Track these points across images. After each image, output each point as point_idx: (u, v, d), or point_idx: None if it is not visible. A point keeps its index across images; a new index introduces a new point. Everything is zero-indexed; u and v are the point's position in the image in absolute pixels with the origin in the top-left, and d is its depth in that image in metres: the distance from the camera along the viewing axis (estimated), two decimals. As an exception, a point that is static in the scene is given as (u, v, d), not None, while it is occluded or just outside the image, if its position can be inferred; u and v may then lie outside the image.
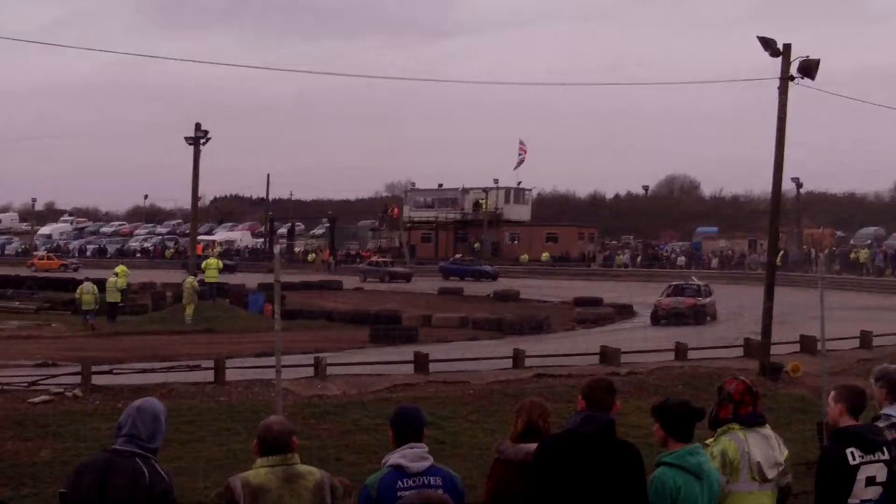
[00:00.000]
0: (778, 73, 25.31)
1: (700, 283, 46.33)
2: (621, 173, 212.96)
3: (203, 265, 47.57)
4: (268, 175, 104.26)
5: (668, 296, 43.91)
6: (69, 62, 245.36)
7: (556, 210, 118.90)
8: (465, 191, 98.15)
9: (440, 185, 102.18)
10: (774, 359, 25.06)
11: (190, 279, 41.14)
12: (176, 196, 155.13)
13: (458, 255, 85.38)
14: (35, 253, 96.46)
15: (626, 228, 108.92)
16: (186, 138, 47.76)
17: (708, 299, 43.77)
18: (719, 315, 43.82)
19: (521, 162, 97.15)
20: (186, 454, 16.12)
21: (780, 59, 25.17)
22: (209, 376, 21.32)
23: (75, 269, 77.09)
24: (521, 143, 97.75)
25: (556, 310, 47.23)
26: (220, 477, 6.38)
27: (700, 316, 41.81)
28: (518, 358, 24.81)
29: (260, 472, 5.97)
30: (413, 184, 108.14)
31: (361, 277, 72.26)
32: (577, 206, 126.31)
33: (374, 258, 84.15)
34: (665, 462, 6.19)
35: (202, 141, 47.28)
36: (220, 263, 53.50)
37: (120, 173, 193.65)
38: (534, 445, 6.52)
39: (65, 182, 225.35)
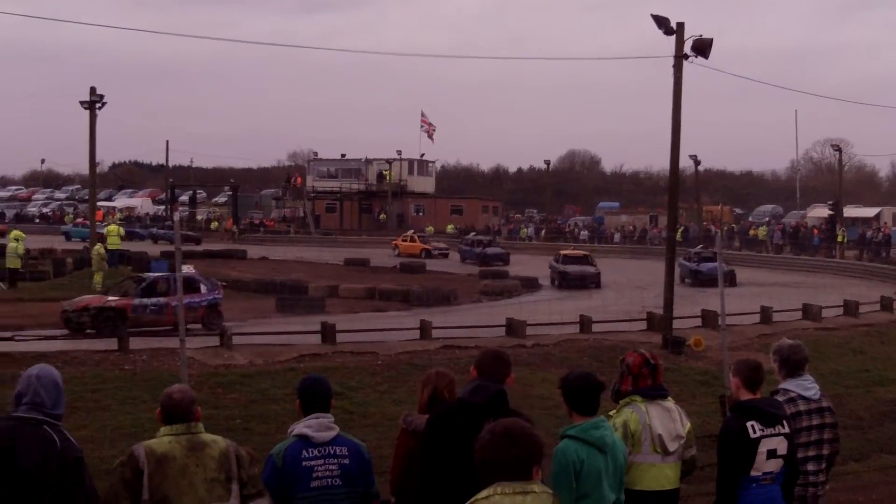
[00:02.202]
0: (672, 52, 25.68)
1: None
2: (523, 148, 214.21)
3: (105, 231, 46.87)
4: (167, 141, 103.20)
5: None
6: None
7: (460, 183, 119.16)
8: (369, 162, 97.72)
9: (343, 156, 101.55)
10: (677, 333, 25.47)
11: (98, 246, 40.46)
12: (74, 161, 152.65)
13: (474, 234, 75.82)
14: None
15: (529, 202, 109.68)
16: (81, 102, 47.14)
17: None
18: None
19: (432, 132, 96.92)
20: (92, 422, 15.98)
21: (674, 37, 25.52)
22: (113, 344, 21.07)
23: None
24: (423, 115, 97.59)
25: (463, 281, 47.36)
26: (127, 445, 6.31)
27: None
28: (425, 329, 24.89)
29: (164, 440, 5.92)
30: (316, 154, 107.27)
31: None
32: (480, 179, 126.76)
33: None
34: (568, 435, 6.13)
35: (98, 106, 46.53)
36: (122, 230, 52.80)
37: (16, 137, 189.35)
38: None
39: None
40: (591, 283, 46.88)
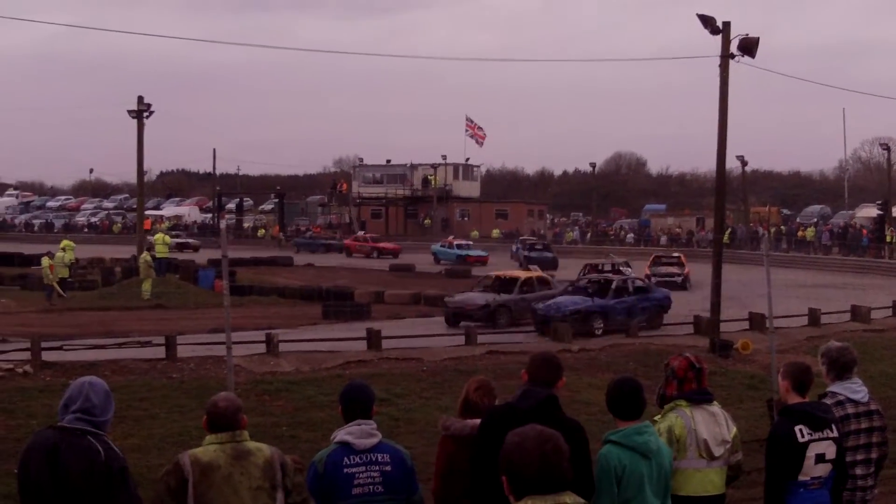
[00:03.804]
0: (718, 52, 25.51)
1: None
2: (569, 151, 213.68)
3: (155, 239, 47.33)
4: (214, 150, 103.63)
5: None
6: (7, 34, 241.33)
7: (505, 187, 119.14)
8: (414, 167, 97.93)
9: (388, 161, 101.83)
10: (724, 336, 25.29)
11: (144, 254, 40.83)
12: (122, 171, 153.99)
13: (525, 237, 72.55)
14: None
15: (574, 205, 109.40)
16: (129, 112, 47.40)
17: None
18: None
19: (481, 137, 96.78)
20: (139, 431, 16.05)
21: (720, 36, 25.34)
22: (161, 353, 21.18)
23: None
24: (469, 119, 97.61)
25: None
26: (174, 453, 6.34)
27: None
28: (470, 335, 24.87)
29: (209, 449, 5.93)
30: (361, 160, 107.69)
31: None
32: (525, 182, 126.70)
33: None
34: (611, 440, 6.17)
35: (145, 114, 46.91)
36: (169, 238, 53.21)
37: (64, 147, 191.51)
38: (479, 420, 6.57)
39: (7, 156, 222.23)
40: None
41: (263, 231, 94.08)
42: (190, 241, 77.94)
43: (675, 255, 52.89)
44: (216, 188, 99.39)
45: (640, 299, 31.41)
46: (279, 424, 17.00)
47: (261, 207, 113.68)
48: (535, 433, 4.03)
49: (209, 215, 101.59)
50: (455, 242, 70.08)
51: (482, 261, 64.12)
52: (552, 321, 27.91)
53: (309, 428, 16.68)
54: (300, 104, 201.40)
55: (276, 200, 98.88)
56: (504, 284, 34.01)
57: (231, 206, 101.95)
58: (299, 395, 18.88)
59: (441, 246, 69.25)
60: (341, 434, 6.26)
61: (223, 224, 21.97)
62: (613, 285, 31.57)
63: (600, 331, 28.64)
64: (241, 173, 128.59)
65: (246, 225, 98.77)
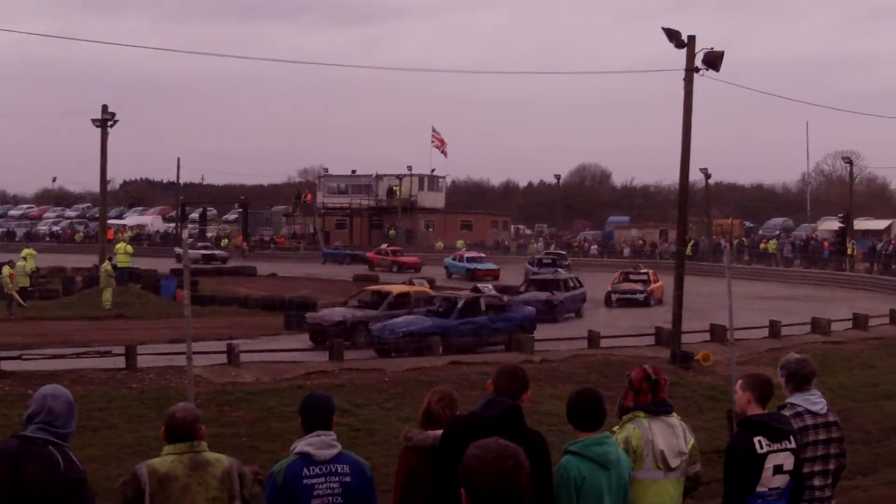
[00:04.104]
0: (683, 65, 25.66)
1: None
2: (534, 163, 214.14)
3: (116, 249, 47.09)
4: (178, 159, 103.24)
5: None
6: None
7: (470, 198, 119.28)
8: (379, 177, 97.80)
9: (353, 172, 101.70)
10: (686, 347, 25.39)
11: (106, 263, 40.61)
12: (85, 179, 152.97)
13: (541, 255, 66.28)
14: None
15: (539, 217, 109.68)
16: (93, 120, 47.17)
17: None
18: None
19: (444, 147, 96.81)
20: (98, 441, 15.96)
21: (685, 50, 25.50)
22: (121, 363, 21.06)
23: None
24: (435, 130, 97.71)
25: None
26: (133, 464, 6.31)
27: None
28: (433, 346, 24.84)
29: (167, 459, 5.93)
30: (326, 170, 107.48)
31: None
32: (490, 194, 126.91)
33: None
34: (570, 451, 6.18)
35: (109, 123, 46.67)
36: (131, 248, 52.96)
37: (27, 156, 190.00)
38: (440, 431, 6.56)
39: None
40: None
41: (227, 241, 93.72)
42: (216, 252, 75.90)
43: (644, 270, 50.63)
44: (180, 197, 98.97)
45: (495, 319, 29.47)
46: (239, 435, 16.94)
47: (225, 217, 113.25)
48: (497, 447, 4.00)
49: (172, 225, 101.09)
50: (466, 255, 66.89)
51: (493, 274, 61.64)
52: (386, 343, 26.81)
53: (269, 438, 16.63)
54: (267, 114, 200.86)
55: (240, 210, 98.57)
56: (376, 299, 32.46)
57: (195, 215, 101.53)
58: (260, 406, 18.83)
59: (452, 259, 66.39)
60: (301, 445, 6.23)
61: (185, 234, 21.70)
62: (459, 304, 29.40)
63: (441, 351, 26.45)
64: (205, 183, 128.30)
65: (209, 235, 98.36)
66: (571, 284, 42.26)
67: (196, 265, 65.68)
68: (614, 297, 45.74)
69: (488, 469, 3.90)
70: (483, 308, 29.76)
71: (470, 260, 64.88)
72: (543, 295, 38.98)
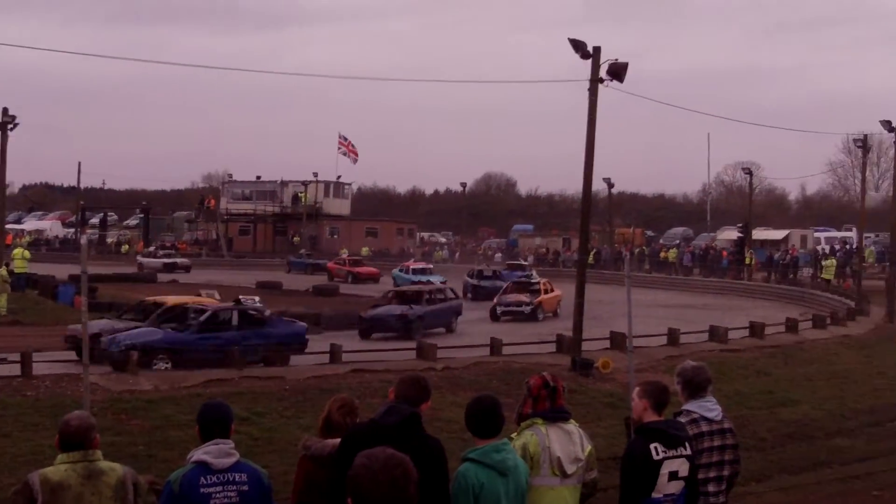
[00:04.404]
0: (588, 76, 25.94)
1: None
2: (441, 170, 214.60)
3: (13, 254, 46.20)
4: (79, 163, 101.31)
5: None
6: None
7: (376, 205, 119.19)
8: (284, 184, 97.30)
9: (258, 178, 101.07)
10: (586, 355, 25.64)
11: (2, 269, 39.75)
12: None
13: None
14: None
15: (445, 225, 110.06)
16: (-8, 123, 46.12)
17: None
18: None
19: (354, 154, 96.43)
20: (-9, 450, 15.63)
21: (590, 61, 25.80)
22: (16, 370, 20.68)
23: None
24: (342, 137, 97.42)
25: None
26: (27, 473, 6.22)
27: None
28: (335, 353, 24.76)
29: (60, 468, 5.86)
30: (230, 175, 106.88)
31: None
32: (396, 201, 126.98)
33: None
34: (469, 458, 6.21)
35: (10, 127, 45.72)
36: (28, 253, 51.99)
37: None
38: (339, 440, 6.54)
39: None
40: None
41: (127, 247, 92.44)
42: (178, 261, 73.97)
43: (535, 280, 46.83)
44: (80, 202, 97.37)
45: (250, 335, 26.70)
46: (136, 444, 16.74)
47: (126, 222, 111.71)
48: (385, 456, 3.97)
49: (72, 230, 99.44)
50: (412, 267, 62.79)
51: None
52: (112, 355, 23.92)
53: (166, 447, 16.46)
54: (171, 118, 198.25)
55: (142, 215, 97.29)
56: (146, 311, 28.97)
57: (95, 220, 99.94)
58: (157, 414, 18.63)
59: (400, 271, 62.58)
60: (198, 454, 6.16)
61: (84, 239, 21.29)
62: (202, 318, 26.41)
63: (168, 367, 24.31)
64: (106, 187, 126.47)
65: (110, 240, 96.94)
66: (441, 297, 39.00)
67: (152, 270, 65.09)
68: (499, 309, 42.44)
69: (376, 478, 3.88)
70: (235, 322, 27.14)
71: (416, 272, 60.53)
72: (399, 309, 35.68)
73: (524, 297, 43.00)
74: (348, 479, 3.93)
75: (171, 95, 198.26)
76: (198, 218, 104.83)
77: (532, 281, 46.39)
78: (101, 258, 77.95)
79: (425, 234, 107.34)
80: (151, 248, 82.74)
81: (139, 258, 75.93)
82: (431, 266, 65.59)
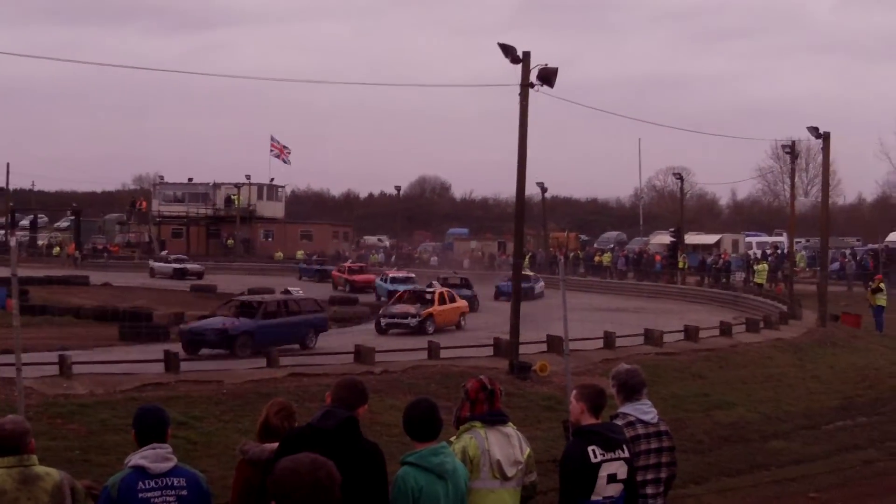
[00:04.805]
0: (519, 80, 26.08)
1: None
2: (375, 173, 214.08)
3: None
4: (7, 164, 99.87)
5: None
6: None
7: (311, 208, 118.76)
8: (217, 186, 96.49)
9: (190, 180, 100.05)
10: (524, 358, 25.72)
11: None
12: None
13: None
14: None
15: (380, 228, 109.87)
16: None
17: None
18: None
19: (285, 155, 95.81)
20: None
21: (520, 66, 25.93)
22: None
23: None
24: (274, 139, 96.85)
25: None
26: (-42, 480, 6.12)
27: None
28: (272, 357, 24.66)
29: (-6, 473, 5.77)
30: (162, 177, 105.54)
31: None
32: (331, 203, 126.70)
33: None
34: (407, 462, 6.21)
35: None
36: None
37: None
38: (277, 444, 6.54)
39: None
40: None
41: (59, 249, 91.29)
42: (188, 266, 71.72)
43: (431, 289, 42.44)
44: (10, 204, 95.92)
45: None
46: (71, 448, 16.54)
47: (56, 224, 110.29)
48: (309, 460, 3.97)
49: (1, 232, 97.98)
50: (391, 275, 58.55)
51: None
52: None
53: (103, 452, 16.29)
54: (101, 119, 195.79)
55: (72, 217, 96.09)
56: None
57: (25, 222, 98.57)
58: (93, 419, 18.42)
59: (381, 280, 57.84)
60: (135, 458, 6.11)
61: (14, 241, 20.93)
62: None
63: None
64: (36, 189, 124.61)
65: (40, 242, 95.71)
66: (294, 308, 34.12)
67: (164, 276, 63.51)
68: (384, 321, 38.63)
69: (301, 481, 3.88)
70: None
71: (394, 280, 56.03)
72: (220, 322, 31.60)
73: (411, 309, 38.91)
74: (270, 482, 3.93)
75: (101, 96, 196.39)
76: (129, 220, 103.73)
77: (426, 290, 42.29)
78: (33, 260, 77.00)
79: (370, 238, 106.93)
80: (163, 253, 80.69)
81: (151, 263, 73.88)
82: (413, 275, 59.62)
